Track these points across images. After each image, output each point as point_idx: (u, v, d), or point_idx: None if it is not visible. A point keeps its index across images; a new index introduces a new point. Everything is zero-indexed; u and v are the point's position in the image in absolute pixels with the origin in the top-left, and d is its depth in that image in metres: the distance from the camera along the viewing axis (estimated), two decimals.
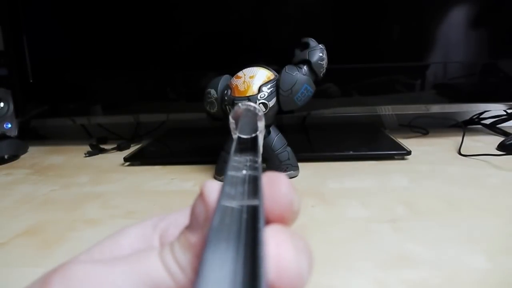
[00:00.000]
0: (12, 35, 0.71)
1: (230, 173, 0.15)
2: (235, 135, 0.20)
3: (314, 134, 0.74)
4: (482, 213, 0.37)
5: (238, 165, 0.16)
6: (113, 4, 0.67)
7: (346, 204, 0.40)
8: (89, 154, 0.67)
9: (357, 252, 0.31)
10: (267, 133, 0.49)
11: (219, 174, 0.50)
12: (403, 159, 0.57)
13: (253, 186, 0.14)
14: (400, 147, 0.59)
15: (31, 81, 0.72)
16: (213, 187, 0.14)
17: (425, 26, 0.64)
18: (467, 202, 0.40)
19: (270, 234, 0.12)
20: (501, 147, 0.59)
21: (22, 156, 0.70)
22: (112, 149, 0.70)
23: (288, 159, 0.49)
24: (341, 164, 0.55)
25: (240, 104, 0.22)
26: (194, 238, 0.13)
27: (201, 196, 0.14)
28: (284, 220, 0.14)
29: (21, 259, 0.32)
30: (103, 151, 0.69)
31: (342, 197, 0.42)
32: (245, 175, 0.15)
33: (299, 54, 0.48)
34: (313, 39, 0.48)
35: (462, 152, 0.58)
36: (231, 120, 0.22)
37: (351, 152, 0.57)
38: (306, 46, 0.48)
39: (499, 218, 0.36)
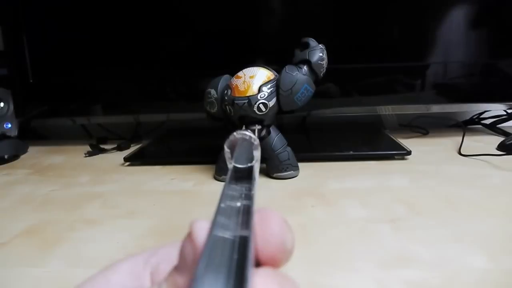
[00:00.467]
0: (12, 35, 0.71)
1: (224, 203, 0.15)
2: (230, 165, 0.20)
3: (314, 134, 0.74)
4: (482, 213, 0.37)
5: (234, 194, 0.16)
6: (113, 4, 0.67)
7: (346, 204, 0.40)
8: (89, 154, 0.67)
9: (357, 252, 0.31)
10: (267, 133, 0.49)
11: (219, 174, 0.50)
12: (403, 159, 0.57)
13: (247, 217, 0.14)
14: (400, 147, 0.59)
15: (31, 81, 0.72)
16: (203, 227, 0.13)
17: (425, 26, 0.64)
18: (467, 202, 0.40)
19: (259, 279, 0.12)
20: (501, 147, 0.59)
21: (22, 156, 0.70)
22: (112, 149, 0.70)
23: (288, 159, 0.49)
24: (341, 164, 0.55)
25: (235, 133, 0.22)
26: (181, 280, 0.13)
27: (189, 236, 0.13)
28: (276, 260, 0.13)
29: (21, 259, 0.32)
30: (103, 151, 0.69)
31: (342, 197, 0.42)
32: (240, 205, 0.15)
33: (299, 54, 0.48)
34: (313, 39, 0.48)
35: (462, 152, 0.58)
36: (226, 149, 0.21)
37: (351, 152, 0.57)
38: (306, 46, 0.48)
39: (499, 218, 0.36)
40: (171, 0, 0.66)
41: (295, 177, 0.50)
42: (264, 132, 0.48)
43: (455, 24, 0.63)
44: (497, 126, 0.73)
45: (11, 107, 0.70)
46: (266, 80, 0.46)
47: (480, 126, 0.76)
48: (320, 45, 0.48)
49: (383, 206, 0.40)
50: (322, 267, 0.29)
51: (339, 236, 0.34)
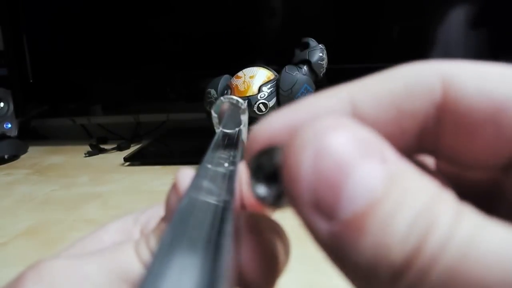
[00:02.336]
0: (12, 35, 0.71)
1: (208, 165, 0.14)
2: (218, 130, 0.20)
3: None
4: None
5: (219, 160, 0.15)
6: (113, 4, 0.67)
7: None
8: (89, 154, 0.67)
9: None
10: None
11: None
12: None
13: (231, 183, 0.13)
14: None
15: (31, 81, 0.72)
16: (187, 174, 0.13)
17: (425, 26, 0.64)
18: None
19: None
20: None
21: (22, 156, 0.70)
22: (112, 149, 0.70)
23: None
24: None
25: (222, 98, 0.22)
26: None
27: (174, 185, 0.14)
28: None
29: (21, 259, 0.32)
30: (103, 151, 0.69)
31: None
32: (226, 170, 0.14)
33: (299, 54, 0.48)
34: (313, 39, 0.48)
35: None
36: (214, 114, 0.21)
37: None
38: (306, 46, 0.48)
39: None
40: (171, 0, 0.66)
41: None
42: None
43: (455, 24, 0.63)
44: None
45: (11, 107, 0.70)
46: (266, 80, 0.46)
47: None
48: (320, 45, 0.48)
49: None
50: (321, 266, 0.29)
51: None
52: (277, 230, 0.14)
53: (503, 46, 0.64)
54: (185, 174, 0.13)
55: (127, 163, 0.60)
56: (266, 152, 0.11)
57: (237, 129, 0.20)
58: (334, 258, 0.09)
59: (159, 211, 0.16)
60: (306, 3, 0.64)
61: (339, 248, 0.09)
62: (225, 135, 0.20)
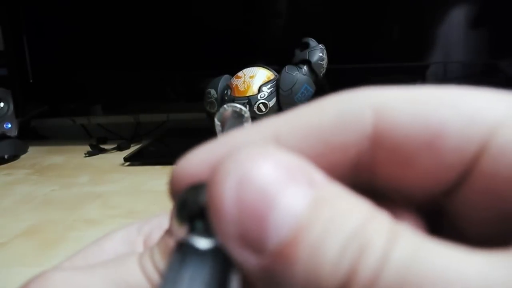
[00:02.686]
0: (12, 35, 0.71)
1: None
2: None
3: None
4: None
5: None
6: (113, 4, 0.67)
7: None
8: (89, 154, 0.67)
9: None
10: None
11: None
12: None
13: None
14: None
15: (31, 81, 0.72)
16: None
17: (425, 26, 0.64)
18: None
19: None
20: None
21: (22, 156, 0.70)
22: (112, 149, 0.70)
23: None
24: None
25: (225, 106, 0.22)
26: (172, 243, 0.13)
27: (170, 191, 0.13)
28: None
29: (21, 259, 0.32)
30: (103, 151, 0.69)
31: None
32: None
33: (299, 54, 0.48)
34: (313, 39, 0.48)
35: None
36: (217, 122, 0.21)
37: None
38: (306, 46, 0.48)
39: None
40: (171, 0, 0.66)
41: None
42: None
43: (455, 24, 0.63)
44: None
45: (11, 107, 0.70)
46: (266, 80, 0.46)
47: None
48: (320, 45, 0.48)
49: None
50: None
51: None
52: None
53: (503, 46, 0.64)
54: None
55: (127, 163, 0.60)
56: (192, 189, 0.10)
57: None
58: None
59: (163, 222, 0.16)
60: (306, 3, 0.64)
61: (272, 281, 0.08)
62: None
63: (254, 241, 0.08)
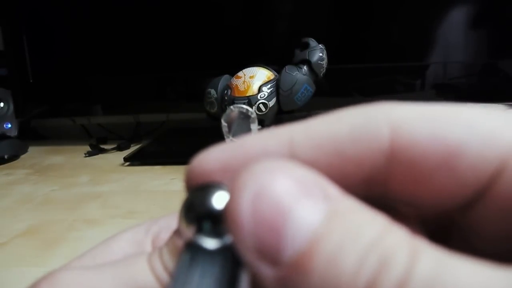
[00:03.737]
0: (12, 35, 0.71)
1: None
2: (228, 139, 0.20)
3: None
4: None
5: None
6: (113, 4, 0.67)
7: None
8: (89, 154, 0.67)
9: None
10: None
11: None
12: None
13: None
14: None
15: (31, 81, 0.72)
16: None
17: (425, 26, 0.64)
18: None
19: None
20: None
21: (22, 156, 0.70)
22: (112, 149, 0.70)
23: None
24: None
25: (232, 107, 0.22)
26: (181, 243, 0.13)
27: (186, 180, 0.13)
28: None
29: (21, 259, 0.32)
30: (103, 151, 0.69)
31: None
32: None
33: (299, 54, 0.48)
34: (313, 39, 0.48)
35: None
36: (224, 123, 0.21)
37: None
38: (306, 46, 0.48)
39: None
40: (171, 0, 0.66)
41: None
42: None
43: (455, 24, 0.63)
44: None
45: (11, 107, 0.70)
46: (266, 80, 0.46)
47: None
48: (320, 45, 0.48)
49: None
50: None
51: None
52: None
53: (503, 46, 0.64)
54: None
55: (127, 163, 0.60)
56: (199, 190, 0.11)
57: None
58: None
59: (171, 223, 0.16)
60: (306, 3, 0.64)
61: None
62: None
63: (270, 253, 0.08)
